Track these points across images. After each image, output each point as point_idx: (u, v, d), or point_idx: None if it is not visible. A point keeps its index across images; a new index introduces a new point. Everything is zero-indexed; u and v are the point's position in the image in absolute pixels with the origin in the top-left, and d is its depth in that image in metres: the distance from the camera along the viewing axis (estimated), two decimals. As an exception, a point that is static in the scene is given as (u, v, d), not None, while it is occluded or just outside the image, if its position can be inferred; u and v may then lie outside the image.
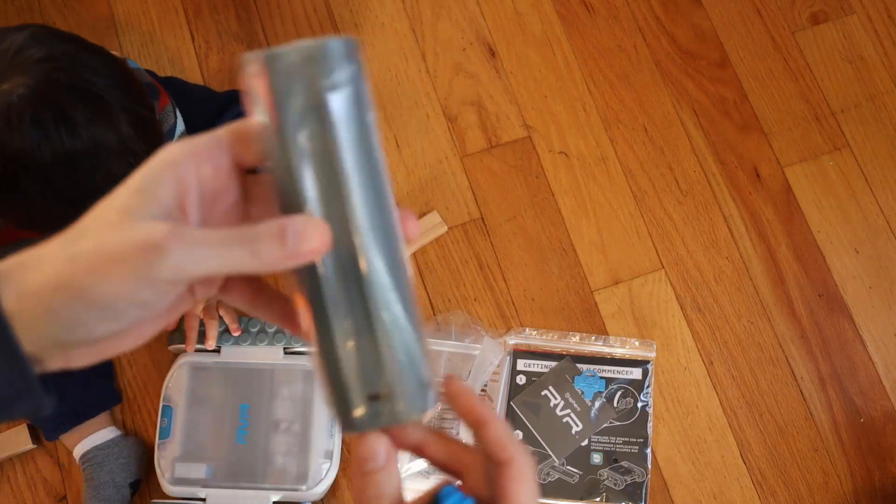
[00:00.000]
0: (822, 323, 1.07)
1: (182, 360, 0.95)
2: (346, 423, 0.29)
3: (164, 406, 0.94)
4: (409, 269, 0.30)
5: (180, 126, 0.89)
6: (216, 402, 0.94)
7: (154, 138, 0.70)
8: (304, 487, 0.92)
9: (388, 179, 0.29)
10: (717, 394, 1.04)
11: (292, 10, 1.17)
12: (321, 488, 0.93)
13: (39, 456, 0.99)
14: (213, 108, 1.02)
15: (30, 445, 0.97)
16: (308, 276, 0.29)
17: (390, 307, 0.29)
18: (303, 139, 0.28)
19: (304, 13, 1.17)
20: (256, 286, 0.32)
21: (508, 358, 1.02)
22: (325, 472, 0.94)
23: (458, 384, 0.32)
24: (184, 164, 0.28)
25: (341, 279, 0.28)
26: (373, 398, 0.29)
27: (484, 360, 1.01)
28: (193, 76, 1.13)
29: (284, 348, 0.96)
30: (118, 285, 0.26)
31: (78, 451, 0.95)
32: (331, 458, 0.94)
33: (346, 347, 0.29)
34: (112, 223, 0.28)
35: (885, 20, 1.19)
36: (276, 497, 0.92)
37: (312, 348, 0.30)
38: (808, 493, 1.01)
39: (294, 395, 0.94)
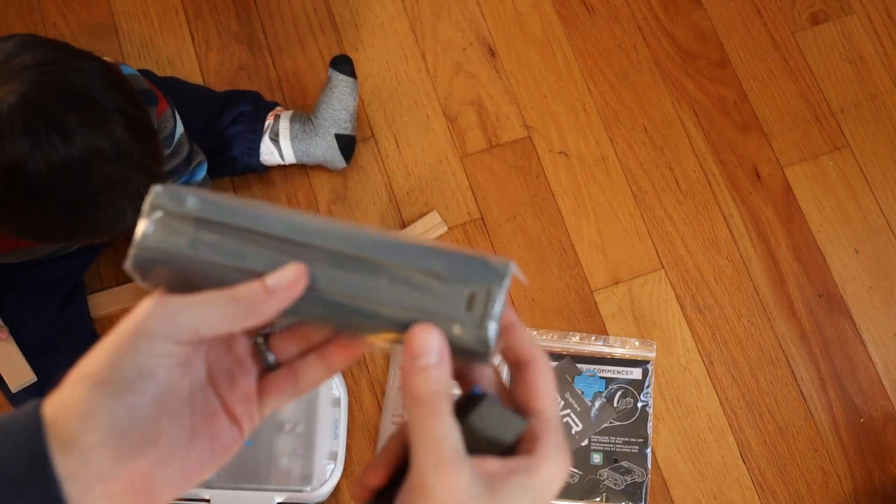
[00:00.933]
0: (822, 323, 1.07)
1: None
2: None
3: None
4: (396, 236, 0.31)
5: (179, 129, 0.89)
6: None
7: (149, 140, 0.69)
8: (308, 488, 0.92)
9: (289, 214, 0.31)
10: (717, 394, 1.04)
11: (292, 10, 1.17)
12: (325, 489, 0.93)
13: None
14: (212, 108, 1.02)
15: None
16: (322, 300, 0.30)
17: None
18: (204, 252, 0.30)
19: (303, 13, 1.17)
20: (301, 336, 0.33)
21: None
22: (329, 474, 0.93)
23: None
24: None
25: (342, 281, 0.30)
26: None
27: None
28: (193, 76, 1.13)
29: None
30: (116, 358, 0.27)
31: None
32: (335, 460, 0.94)
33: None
34: None
35: (885, 20, 1.19)
36: (280, 498, 0.92)
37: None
38: (808, 493, 1.01)
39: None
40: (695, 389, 1.04)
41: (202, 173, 0.96)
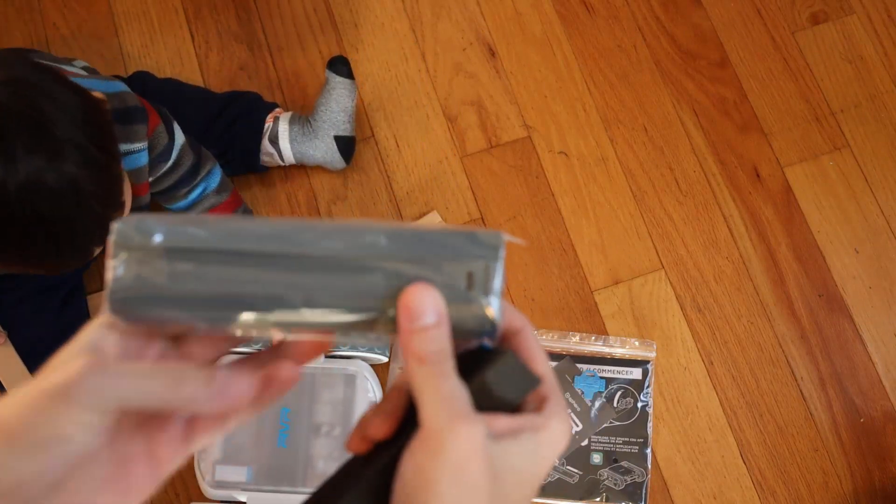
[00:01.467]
0: (822, 323, 1.07)
1: (224, 361, 0.95)
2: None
3: None
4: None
5: (179, 140, 0.88)
6: None
7: (105, 183, 0.65)
8: None
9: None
10: (717, 394, 1.04)
11: (292, 10, 1.17)
12: None
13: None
14: (212, 109, 1.02)
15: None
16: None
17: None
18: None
19: (303, 13, 1.17)
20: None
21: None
22: None
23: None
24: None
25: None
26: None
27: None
28: (193, 76, 1.13)
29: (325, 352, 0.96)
30: (35, 416, 0.25)
31: None
32: (347, 439, 0.94)
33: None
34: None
35: (885, 20, 1.19)
36: None
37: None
38: (808, 493, 1.01)
39: (335, 399, 0.94)
40: (695, 389, 1.04)
41: (216, 179, 0.94)
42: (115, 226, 0.29)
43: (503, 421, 0.29)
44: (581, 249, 1.08)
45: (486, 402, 0.29)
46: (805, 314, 1.07)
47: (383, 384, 1.00)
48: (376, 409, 0.32)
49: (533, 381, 0.30)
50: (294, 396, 0.94)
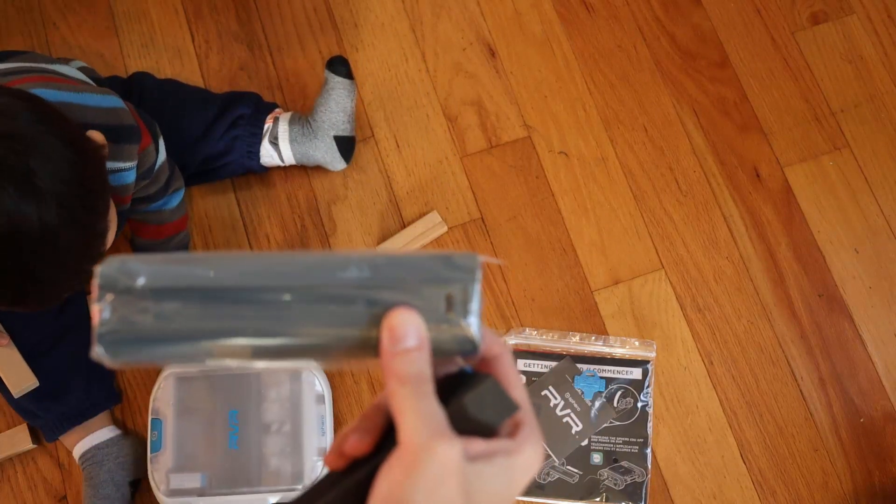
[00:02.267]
0: (822, 323, 1.07)
1: (167, 372, 0.95)
2: None
3: (152, 419, 0.94)
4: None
5: (161, 157, 0.88)
6: (205, 410, 0.94)
7: (87, 238, 0.66)
8: (300, 487, 0.93)
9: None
10: (717, 394, 1.04)
11: (292, 10, 1.17)
12: None
13: (39, 456, 0.99)
14: (211, 111, 1.02)
15: (30, 445, 0.97)
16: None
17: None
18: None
19: (304, 13, 1.17)
20: None
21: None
22: (320, 470, 0.94)
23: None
24: None
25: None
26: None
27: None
28: (193, 76, 1.13)
29: None
30: None
31: (77, 451, 0.95)
32: (324, 456, 0.94)
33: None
34: None
35: (885, 20, 1.19)
36: (273, 499, 0.92)
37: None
38: (808, 493, 1.01)
39: (282, 397, 0.95)
40: (695, 389, 1.04)
41: (177, 200, 0.96)
42: (99, 269, 0.30)
43: (479, 444, 0.30)
44: (581, 249, 1.08)
45: (463, 424, 0.30)
46: (805, 314, 1.07)
47: (348, 384, 1.00)
48: (354, 427, 0.33)
49: (511, 407, 0.31)
50: (241, 397, 0.94)
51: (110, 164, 0.75)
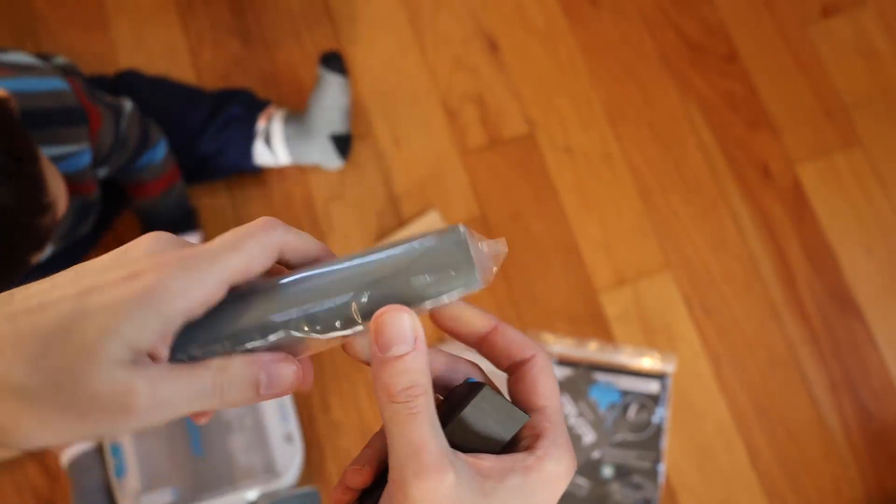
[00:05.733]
0: (834, 325, 1.04)
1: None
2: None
3: (111, 446, 0.92)
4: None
5: (122, 128, 0.86)
6: None
7: (27, 188, 0.64)
8: (275, 476, 0.92)
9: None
10: (725, 397, 1.01)
11: (287, 3, 1.14)
12: (294, 471, 0.93)
13: (28, 463, 0.97)
14: (203, 111, 0.99)
15: (18, 452, 0.95)
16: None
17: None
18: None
19: (298, 5, 1.13)
20: None
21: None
22: (291, 455, 0.93)
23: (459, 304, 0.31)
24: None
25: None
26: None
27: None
28: (186, 71, 1.10)
29: None
30: (54, 436, 0.25)
31: (65, 458, 0.93)
32: (292, 440, 0.93)
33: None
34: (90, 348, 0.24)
35: (898, 12, 1.15)
36: (252, 495, 0.91)
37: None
38: (819, 500, 0.99)
39: None
40: (702, 393, 1.01)
41: (162, 151, 0.93)
42: None
43: (488, 462, 0.27)
44: (585, 249, 1.05)
45: (470, 439, 0.27)
46: (816, 316, 1.04)
47: (343, 387, 0.98)
48: (356, 458, 0.31)
49: (518, 417, 0.28)
50: None
51: (58, 150, 0.73)
